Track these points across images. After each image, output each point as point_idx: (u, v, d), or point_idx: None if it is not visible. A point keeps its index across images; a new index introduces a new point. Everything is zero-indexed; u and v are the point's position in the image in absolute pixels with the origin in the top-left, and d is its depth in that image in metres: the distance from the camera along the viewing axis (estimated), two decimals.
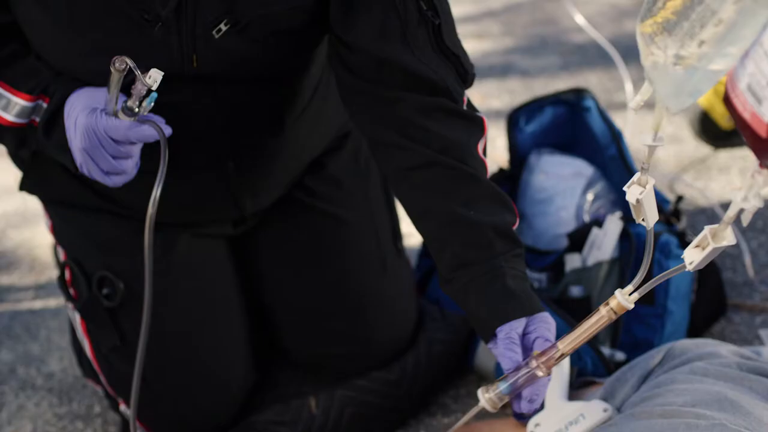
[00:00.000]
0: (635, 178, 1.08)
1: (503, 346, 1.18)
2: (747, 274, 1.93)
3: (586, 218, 1.88)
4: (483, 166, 1.33)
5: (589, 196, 1.90)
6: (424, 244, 1.91)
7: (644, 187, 1.07)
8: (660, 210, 1.81)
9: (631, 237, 1.73)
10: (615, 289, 1.72)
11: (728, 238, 1.01)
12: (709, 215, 2.13)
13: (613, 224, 1.75)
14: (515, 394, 1.18)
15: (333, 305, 1.63)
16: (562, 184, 1.91)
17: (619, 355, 1.65)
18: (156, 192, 1.17)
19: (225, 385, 1.59)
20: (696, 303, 1.76)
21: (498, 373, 1.47)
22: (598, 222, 1.78)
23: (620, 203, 1.90)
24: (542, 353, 1.16)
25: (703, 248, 1.02)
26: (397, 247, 1.70)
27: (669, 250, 1.71)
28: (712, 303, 1.81)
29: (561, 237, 1.85)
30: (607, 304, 1.12)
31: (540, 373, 1.15)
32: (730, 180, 2.26)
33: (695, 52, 0.86)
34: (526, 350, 1.19)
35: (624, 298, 1.11)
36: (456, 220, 1.27)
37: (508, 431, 1.48)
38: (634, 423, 1.23)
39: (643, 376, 1.39)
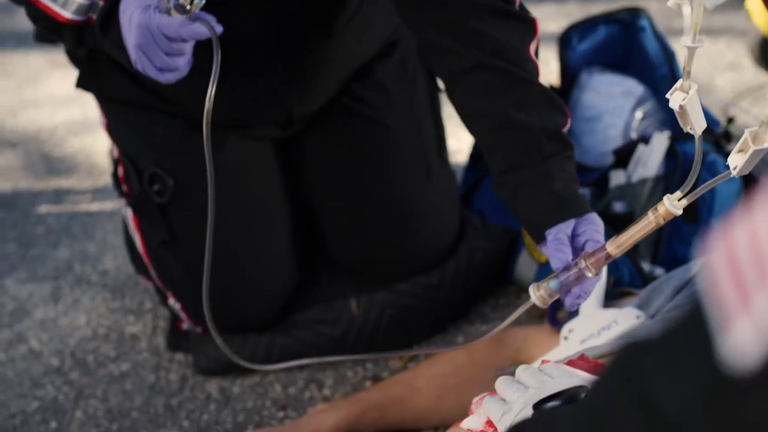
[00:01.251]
0: (678, 84, 1.06)
1: (552, 247, 1.19)
2: None
3: (634, 136, 1.87)
4: (535, 68, 1.33)
5: (638, 114, 1.89)
6: (470, 159, 1.93)
7: (687, 93, 1.06)
8: (710, 131, 1.79)
9: (677, 155, 1.72)
10: None
11: None
12: None
13: (660, 141, 1.74)
14: (564, 291, 1.19)
15: (377, 211, 1.65)
16: (611, 103, 1.90)
17: (659, 271, 1.65)
18: (212, 87, 1.19)
19: (268, 285, 1.63)
20: None
21: (540, 278, 1.49)
22: (645, 139, 1.77)
23: (669, 123, 1.89)
24: (591, 254, 1.16)
25: (746, 152, 1.02)
26: (442, 156, 1.71)
27: (715, 169, 1.70)
28: None
29: (608, 154, 1.85)
30: (656, 209, 1.11)
31: (589, 274, 1.17)
32: None
33: None
34: (577, 251, 1.20)
35: (672, 204, 1.10)
36: (507, 122, 1.28)
37: (542, 336, 1.51)
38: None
39: (679, 287, 1.40)
